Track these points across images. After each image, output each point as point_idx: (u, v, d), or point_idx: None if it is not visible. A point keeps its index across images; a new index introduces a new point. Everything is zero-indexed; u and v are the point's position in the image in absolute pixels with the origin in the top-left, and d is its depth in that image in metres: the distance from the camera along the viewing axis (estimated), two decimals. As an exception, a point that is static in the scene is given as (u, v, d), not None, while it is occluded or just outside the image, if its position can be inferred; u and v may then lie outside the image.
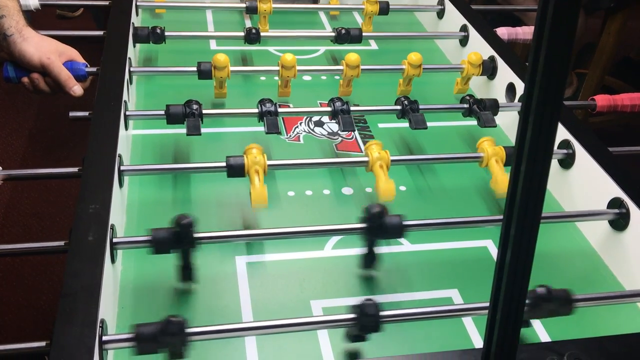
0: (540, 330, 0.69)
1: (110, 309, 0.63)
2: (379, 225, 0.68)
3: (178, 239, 0.64)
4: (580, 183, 0.84)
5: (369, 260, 0.72)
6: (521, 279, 0.45)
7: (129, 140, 0.91)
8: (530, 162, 0.39)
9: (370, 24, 1.26)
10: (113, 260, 0.66)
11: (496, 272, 0.46)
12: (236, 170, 0.77)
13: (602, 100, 0.99)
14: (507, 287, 0.45)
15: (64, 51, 0.98)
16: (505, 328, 0.46)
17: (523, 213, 0.42)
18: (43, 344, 0.56)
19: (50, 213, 1.84)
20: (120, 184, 0.76)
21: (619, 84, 2.33)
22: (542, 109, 0.38)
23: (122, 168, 0.76)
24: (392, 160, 0.84)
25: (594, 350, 0.54)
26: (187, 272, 0.68)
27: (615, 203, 0.77)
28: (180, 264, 0.67)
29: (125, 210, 0.80)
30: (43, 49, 0.95)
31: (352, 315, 0.60)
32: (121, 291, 0.69)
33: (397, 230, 0.69)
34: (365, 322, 0.58)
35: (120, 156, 0.76)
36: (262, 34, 1.12)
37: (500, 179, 0.83)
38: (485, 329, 0.47)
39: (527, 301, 0.60)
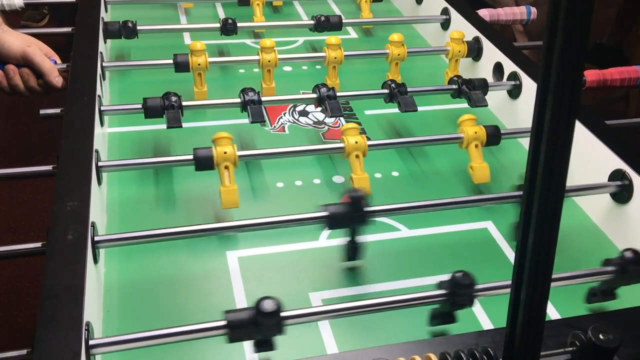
0: (550, 310, 0.66)
1: (95, 311, 0.58)
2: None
3: (352, 215, 0.64)
4: (578, 156, 0.81)
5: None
6: (546, 258, 0.42)
7: (105, 138, 0.86)
8: (551, 138, 0.36)
9: (368, 10, 1.23)
10: (96, 261, 0.61)
11: (517, 252, 0.42)
12: (204, 163, 0.73)
13: (591, 75, 0.97)
14: (532, 266, 0.42)
15: (42, 47, 0.94)
16: (531, 309, 0.43)
17: (546, 191, 0.39)
18: (24, 352, 0.52)
19: (23, 227, 1.77)
20: (99, 181, 0.72)
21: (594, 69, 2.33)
22: (562, 85, 0.35)
23: (99, 164, 0.71)
24: (373, 145, 0.81)
25: (618, 323, 0.51)
26: (355, 250, 0.67)
27: (616, 175, 0.75)
28: (349, 241, 0.66)
29: (105, 209, 0.75)
30: (24, 38, 0.92)
31: (354, 304, 0.56)
32: (105, 294, 0.65)
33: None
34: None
35: (97, 151, 0.71)
36: (239, 24, 1.08)
37: (478, 167, 0.81)
38: (508, 309, 0.44)
39: (613, 268, 0.59)
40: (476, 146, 0.81)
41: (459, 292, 0.56)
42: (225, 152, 0.73)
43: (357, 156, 0.78)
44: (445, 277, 0.69)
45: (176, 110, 0.81)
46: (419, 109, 0.90)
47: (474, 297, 0.56)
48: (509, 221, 0.78)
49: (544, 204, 0.39)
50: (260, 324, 0.51)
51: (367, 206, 0.64)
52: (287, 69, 1.09)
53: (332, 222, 0.64)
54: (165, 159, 0.79)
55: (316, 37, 1.17)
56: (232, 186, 0.73)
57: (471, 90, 0.91)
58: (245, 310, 0.51)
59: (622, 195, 0.74)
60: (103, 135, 0.84)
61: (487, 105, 0.91)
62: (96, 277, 0.61)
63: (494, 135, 0.82)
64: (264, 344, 0.52)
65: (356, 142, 0.78)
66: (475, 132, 0.81)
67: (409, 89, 0.90)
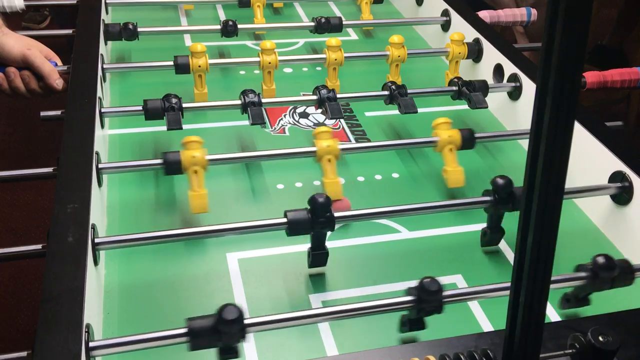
0: (550, 312, 0.66)
1: (96, 313, 0.58)
2: (506, 197, 0.68)
3: (314, 220, 0.63)
4: (578, 158, 0.81)
5: (496, 236, 0.72)
6: (545, 259, 0.42)
7: (105, 140, 0.87)
8: (550, 139, 0.36)
9: (369, 11, 1.24)
10: (96, 263, 0.61)
11: (517, 254, 0.42)
12: (172, 167, 0.72)
13: (591, 76, 0.97)
14: (531, 268, 0.42)
15: (43, 49, 0.94)
16: (530, 311, 0.43)
17: (545, 192, 0.39)
18: (24, 354, 0.52)
19: (24, 228, 1.77)
20: (99, 183, 0.72)
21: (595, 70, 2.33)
22: (561, 86, 0.35)
23: (100, 166, 0.71)
24: (348, 149, 0.81)
25: (618, 325, 0.51)
26: (320, 256, 0.67)
27: (617, 177, 0.75)
28: (312, 247, 0.66)
29: (106, 211, 0.75)
30: (24, 41, 0.92)
31: (354, 306, 0.57)
32: (106, 296, 0.65)
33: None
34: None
35: (97, 153, 0.72)
36: (239, 26, 1.08)
37: (452, 170, 0.81)
38: (507, 312, 0.44)
39: (585, 274, 0.59)
40: (450, 150, 0.81)
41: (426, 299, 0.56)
42: (193, 157, 0.72)
43: (329, 160, 0.77)
44: (445, 279, 0.70)
45: (176, 112, 0.81)
46: (420, 110, 0.90)
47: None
48: (510, 223, 0.78)
49: (543, 205, 0.39)
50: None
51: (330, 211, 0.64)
52: (288, 70, 1.09)
53: (293, 227, 0.64)
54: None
55: (317, 39, 1.17)
56: (201, 191, 0.73)
57: (471, 92, 0.91)
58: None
59: (622, 196, 0.74)
60: (103, 137, 0.84)
61: (487, 107, 0.91)
62: (96, 279, 0.61)
63: (469, 139, 0.81)
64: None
65: (328, 146, 0.77)
66: (449, 136, 0.80)
67: (409, 91, 0.90)
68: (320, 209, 0.63)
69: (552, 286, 0.59)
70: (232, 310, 0.50)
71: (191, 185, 0.73)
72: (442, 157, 0.82)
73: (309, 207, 0.64)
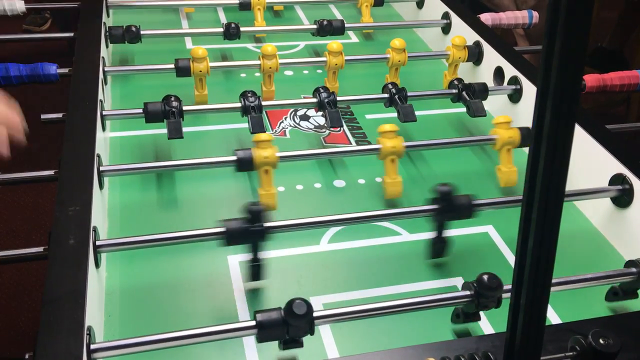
0: (551, 314, 0.66)
1: (97, 316, 0.58)
2: (448, 206, 0.68)
3: (249, 231, 0.62)
4: (578, 161, 0.82)
5: (440, 246, 0.71)
6: (546, 262, 0.42)
7: (106, 142, 0.87)
8: (551, 142, 0.36)
9: (369, 14, 1.24)
10: (97, 265, 0.61)
11: (517, 257, 0.42)
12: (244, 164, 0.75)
13: (591, 80, 0.97)
14: (532, 270, 0.42)
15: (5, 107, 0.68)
16: (531, 314, 0.43)
17: (546, 195, 0.39)
18: (25, 356, 0.52)
19: (25, 230, 1.77)
20: (101, 186, 0.72)
21: (595, 73, 2.33)
22: (561, 89, 0.35)
23: (101, 168, 0.72)
24: (412, 146, 0.84)
25: (618, 327, 0.51)
26: (257, 268, 0.65)
27: (617, 179, 0.75)
28: (251, 259, 0.65)
29: (107, 214, 0.76)
30: None
31: (354, 308, 0.57)
32: (107, 298, 0.65)
33: (467, 210, 0.69)
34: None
35: (99, 156, 0.72)
36: (241, 28, 1.08)
37: (505, 170, 0.82)
38: (508, 314, 0.44)
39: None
40: (508, 150, 0.81)
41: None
42: (265, 157, 0.76)
43: (392, 160, 0.79)
44: (446, 281, 0.70)
45: (177, 120, 0.81)
46: (420, 113, 0.90)
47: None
48: (510, 225, 0.78)
49: (543, 208, 0.39)
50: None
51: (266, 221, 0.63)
52: (289, 73, 1.09)
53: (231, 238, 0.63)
54: (167, 164, 0.79)
55: (318, 42, 1.17)
56: (271, 190, 0.77)
57: (471, 99, 0.91)
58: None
59: (622, 199, 0.74)
60: (105, 139, 0.84)
61: (485, 115, 0.91)
62: (98, 282, 0.61)
63: (528, 137, 0.82)
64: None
65: (393, 147, 0.79)
66: (509, 137, 0.82)
67: (409, 93, 0.90)
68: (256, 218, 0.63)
69: (557, 288, 0.59)
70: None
71: (261, 184, 0.77)
72: (498, 155, 0.84)
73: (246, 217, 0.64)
